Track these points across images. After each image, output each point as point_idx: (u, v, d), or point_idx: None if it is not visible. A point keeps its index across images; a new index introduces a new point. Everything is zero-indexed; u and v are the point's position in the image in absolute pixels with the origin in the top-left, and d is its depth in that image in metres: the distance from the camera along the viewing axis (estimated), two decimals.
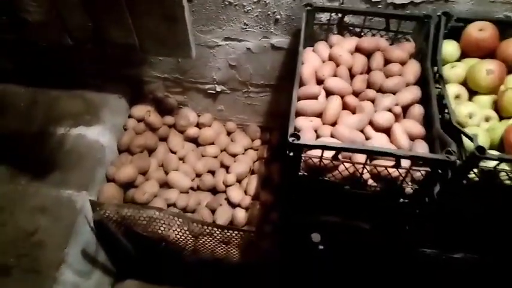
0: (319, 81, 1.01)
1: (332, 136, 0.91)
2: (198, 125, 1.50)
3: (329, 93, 0.98)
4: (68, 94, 1.36)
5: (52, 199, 1.15)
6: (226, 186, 1.39)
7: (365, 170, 0.86)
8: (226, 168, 1.44)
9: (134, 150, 1.32)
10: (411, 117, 0.95)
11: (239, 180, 1.42)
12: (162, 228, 1.15)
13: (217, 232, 1.14)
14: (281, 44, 1.19)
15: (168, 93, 1.46)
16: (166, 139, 1.44)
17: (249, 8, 1.09)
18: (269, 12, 1.10)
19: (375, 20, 1.07)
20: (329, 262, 1.07)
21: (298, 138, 0.80)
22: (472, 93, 1.00)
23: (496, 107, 0.97)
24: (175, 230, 1.14)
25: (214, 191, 1.41)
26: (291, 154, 0.83)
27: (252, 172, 1.45)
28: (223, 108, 1.49)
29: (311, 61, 1.03)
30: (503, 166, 0.84)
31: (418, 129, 0.93)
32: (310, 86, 0.97)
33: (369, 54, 1.04)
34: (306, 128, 0.92)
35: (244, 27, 1.15)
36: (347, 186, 0.90)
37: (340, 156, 0.83)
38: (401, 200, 0.93)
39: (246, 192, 1.38)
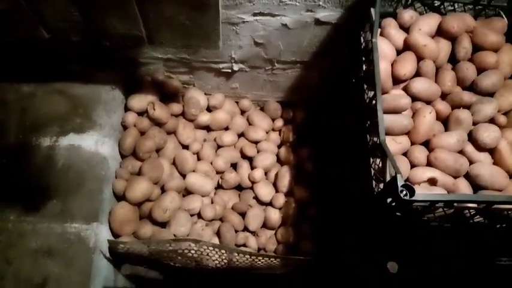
0: (397, 81, 0.79)
1: (429, 164, 0.72)
2: (209, 108, 1.24)
3: (414, 98, 0.77)
4: (45, 89, 1.05)
5: (57, 238, 0.92)
6: (253, 182, 1.19)
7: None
8: (249, 159, 1.23)
9: (143, 157, 1.07)
10: None
11: (266, 173, 1.22)
12: (197, 258, 0.96)
13: (260, 258, 0.97)
14: (328, 19, 0.92)
15: (170, 74, 1.17)
16: (175, 132, 1.18)
17: None
18: None
19: None
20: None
21: (413, 193, 0.60)
22: None
23: None
24: (212, 258, 0.96)
25: (239, 187, 1.22)
26: (393, 204, 0.65)
27: (278, 159, 1.26)
28: (237, 86, 1.23)
29: (384, 53, 0.79)
30: None
31: None
32: (398, 96, 0.74)
33: (453, 38, 0.81)
34: (397, 156, 0.72)
35: (284, 0, 0.86)
36: (447, 224, 0.73)
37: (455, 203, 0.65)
38: (499, 225, 0.79)
39: (276, 188, 1.20)
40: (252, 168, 1.20)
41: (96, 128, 1.03)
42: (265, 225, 1.17)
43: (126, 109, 1.13)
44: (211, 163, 1.19)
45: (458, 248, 0.85)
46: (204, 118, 1.20)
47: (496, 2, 0.82)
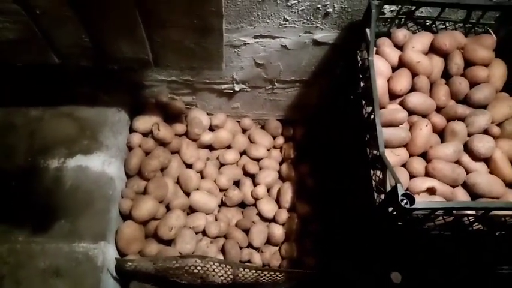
0: (393, 96, 0.83)
1: (427, 174, 0.75)
2: (211, 128, 1.27)
3: (411, 112, 0.80)
4: (52, 113, 1.08)
5: (65, 257, 0.93)
6: (256, 199, 1.21)
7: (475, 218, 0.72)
8: (251, 176, 1.26)
9: (148, 176, 1.09)
10: (509, 137, 0.80)
11: (268, 189, 1.25)
12: (203, 275, 0.97)
13: (266, 274, 0.98)
14: (326, 39, 0.97)
15: (174, 95, 1.20)
16: (179, 151, 1.21)
17: (295, 1, 0.84)
18: (319, 5, 0.86)
19: (448, 10, 0.87)
20: None
21: (413, 201, 0.62)
22: None
23: None
24: (218, 274, 0.98)
25: (242, 203, 1.24)
26: (394, 213, 0.67)
27: (279, 176, 1.28)
28: (239, 105, 1.27)
29: (380, 70, 0.83)
30: None
31: None
32: (395, 110, 0.78)
33: (446, 55, 0.85)
34: (396, 167, 0.75)
35: (284, 23, 0.91)
36: (448, 232, 0.75)
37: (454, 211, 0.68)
38: (499, 232, 0.81)
39: (279, 204, 1.22)
40: (255, 185, 1.23)
41: (103, 149, 1.05)
42: (269, 241, 1.18)
43: (132, 130, 1.16)
44: (214, 181, 1.21)
45: (459, 257, 0.87)
46: (207, 137, 1.23)
47: (484, 20, 0.87)
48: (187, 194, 1.16)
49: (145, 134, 1.17)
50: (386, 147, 0.77)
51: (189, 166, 1.22)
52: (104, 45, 0.80)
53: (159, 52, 0.83)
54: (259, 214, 1.21)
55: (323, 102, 1.23)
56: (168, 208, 1.12)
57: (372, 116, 0.74)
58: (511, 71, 0.85)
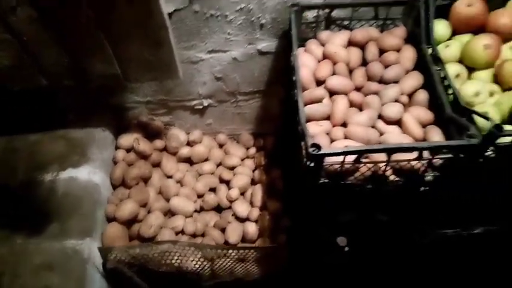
0: (319, 82, 0.98)
1: (346, 137, 0.88)
2: (189, 143, 1.44)
3: (332, 93, 0.96)
4: (48, 136, 1.27)
5: (56, 253, 1.07)
6: (231, 201, 1.34)
7: (387, 167, 0.84)
8: (227, 182, 1.39)
9: (130, 183, 1.25)
10: (418, 104, 0.94)
11: (242, 193, 1.37)
12: (178, 261, 1.09)
13: (232, 252, 1.09)
14: (268, 49, 1.15)
15: (153, 116, 1.39)
16: (160, 164, 1.37)
17: (232, 17, 1.04)
18: (253, 18, 1.05)
19: (361, 10, 1.05)
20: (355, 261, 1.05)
21: (320, 148, 0.76)
22: (469, 70, 1.00)
23: (497, 80, 0.97)
24: (191, 259, 1.09)
25: (219, 208, 1.36)
26: (312, 165, 0.80)
27: (253, 182, 1.41)
28: (212, 122, 1.43)
29: (306, 63, 0.99)
30: None
31: (428, 115, 0.92)
32: (314, 90, 0.93)
33: (362, 46, 1.02)
34: (319, 134, 0.89)
35: (228, 37, 1.10)
36: (369, 186, 0.87)
37: (362, 159, 0.80)
38: (422, 188, 0.92)
39: (252, 204, 1.34)
40: (229, 189, 1.36)
41: (90, 162, 1.22)
42: (244, 238, 1.29)
43: (117, 147, 1.34)
44: (192, 188, 1.35)
45: (398, 217, 0.97)
46: (185, 151, 1.39)
47: (393, 16, 1.04)
48: (168, 201, 1.30)
49: (128, 150, 1.33)
50: (311, 120, 0.91)
51: (170, 177, 1.37)
52: (80, 63, 1.00)
53: (126, 67, 1.02)
54: (234, 215, 1.33)
55: (284, 111, 1.39)
56: (149, 212, 1.25)
57: (296, 98, 0.89)
58: (420, 53, 0.99)
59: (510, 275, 1.23)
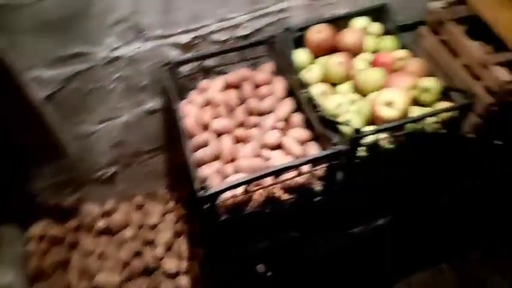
0: (206, 127, 1.05)
1: (237, 172, 0.95)
2: (105, 215, 1.42)
3: (218, 134, 1.03)
4: None
5: None
6: (159, 260, 1.33)
7: (277, 189, 0.91)
8: (150, 243, 1.39)
9: (48, 272, 1.20)
10: (294, 126, 1.04)
11: (169, 248, 1.38)
12: None
13: None
14: (155, 107, 1.20)
15: (62, 196, 1.36)
16: (77, 244, 1.34)
17: (112, 86, 1.09)
18: (132, 83, 1.11)
19: (230, 55, 1.15)
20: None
21: (206, 189, 0.81)
22: (334, 86, 1.13)
23: (355, 89, 1.11)
24: None
25: (148, 271, 1.35)
26: (207, 206, 0.85)
27: (177, 234, 1.42)
28: (124, 187, 1.44)
29: (190, 112, 1.06)
30: (381, 135, 0.96)
31: (305, 134, 1.02)
32: (198, 136, 1.00)
33: (238, 86, 1.12)
34: (211, 174, 0.94)
35: (114, 104, 1.14)
36: (267, 210, 0.94)
37: (253, 187, 0.87)
38: (316, 199, 1.00)
39: (180, 257, 1.35)
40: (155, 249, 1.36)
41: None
42: None
43: (28, 239, 1.29)
44: (116, 259, 1.32)
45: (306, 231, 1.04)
46: (101, 223, 1.37)
47: (259, 54, 1.16)
48: (92, 279, 1.26)
49: (41, 238, 1.29)
50: (203, 163, 0.97)
51: (91, 254, 1.33)
52: None
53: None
54: (164, 273, 1.32)
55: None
56: None
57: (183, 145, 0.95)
58: (289, 81, 1.11)
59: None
